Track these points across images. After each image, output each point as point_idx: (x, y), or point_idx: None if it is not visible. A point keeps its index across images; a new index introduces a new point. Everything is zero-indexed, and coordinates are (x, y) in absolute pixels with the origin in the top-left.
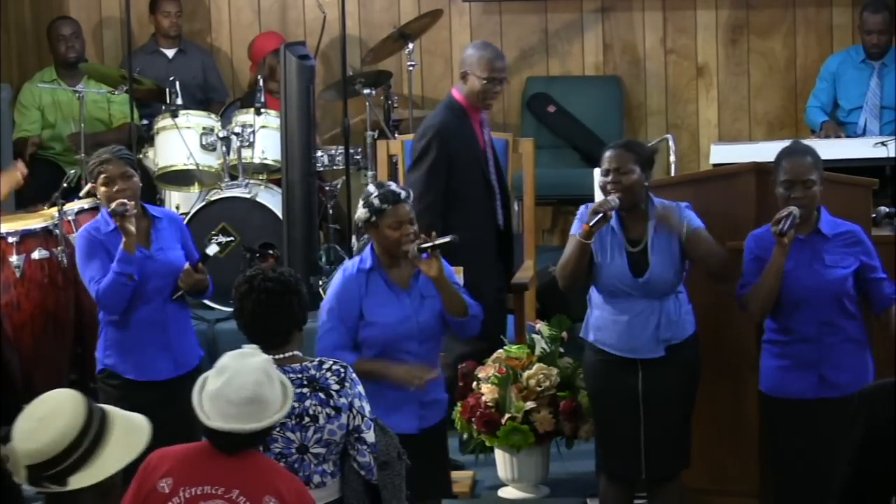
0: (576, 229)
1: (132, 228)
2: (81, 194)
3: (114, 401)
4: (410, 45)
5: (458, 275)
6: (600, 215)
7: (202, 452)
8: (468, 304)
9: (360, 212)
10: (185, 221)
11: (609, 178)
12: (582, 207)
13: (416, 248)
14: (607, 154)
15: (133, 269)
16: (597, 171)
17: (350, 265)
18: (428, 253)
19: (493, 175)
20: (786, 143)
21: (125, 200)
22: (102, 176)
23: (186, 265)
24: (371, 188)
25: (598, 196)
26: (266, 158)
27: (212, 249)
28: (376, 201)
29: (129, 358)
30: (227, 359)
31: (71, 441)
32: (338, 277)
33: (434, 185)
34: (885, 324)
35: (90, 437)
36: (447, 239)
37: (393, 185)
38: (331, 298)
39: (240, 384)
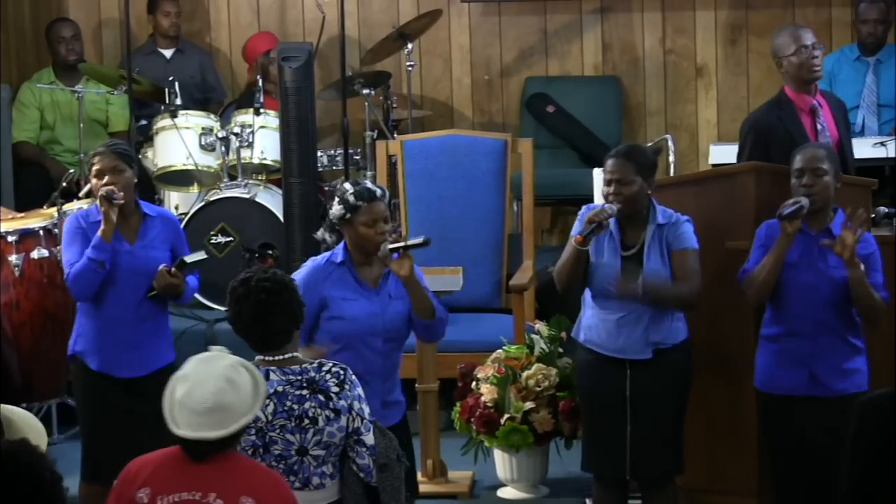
0: (576, 230)
1: (114, 216)
2: (81, 194)
3: (81, 389)
4: (409, 46)
5: (457, 275)
6: (595, 225)
7: (178, 457)
8: (436, 306)
9: (335, 209)
10: (184, 222)
11: (610, 189)
12: (584, 208)
13: (386, 247)
14: (608, 163)
15: (106, 256)
16: (596, 172)
17: (320, 257)
18: (399, 252)
19: None
20: None
21: (114, 188)
22: (94, 168)
23: (161, 266)
24: (346, 185)
25: (597, 199)
26: (265, 159)
27: (191, 258)
28: (351, 198)
29: (95, 349)
30: (189, 366)
31: None
32: (305, 266)
33: None
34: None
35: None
36: (419, 240)
37: (368, 183)
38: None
39: (200, 395)
